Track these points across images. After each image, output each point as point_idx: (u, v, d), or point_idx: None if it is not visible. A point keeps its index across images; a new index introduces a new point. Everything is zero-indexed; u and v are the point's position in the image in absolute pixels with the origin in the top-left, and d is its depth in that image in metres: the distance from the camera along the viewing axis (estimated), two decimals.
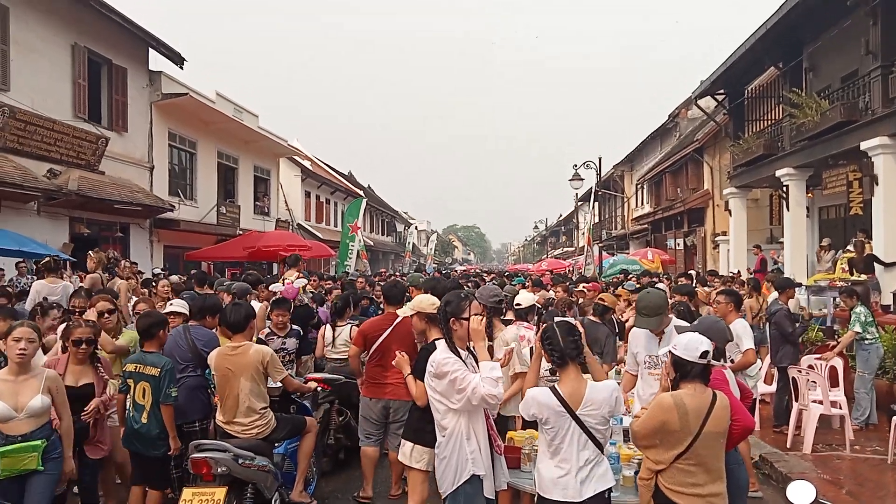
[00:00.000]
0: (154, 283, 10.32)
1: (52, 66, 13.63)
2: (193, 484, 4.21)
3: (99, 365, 4.65)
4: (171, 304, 5.99)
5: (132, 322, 6.37)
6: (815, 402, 7.07)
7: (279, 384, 5.03)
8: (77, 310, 5.76)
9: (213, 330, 5.43)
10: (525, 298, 6.00)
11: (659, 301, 4.36)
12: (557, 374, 3.32)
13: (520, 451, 4.02)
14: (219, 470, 4.15)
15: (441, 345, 3.65)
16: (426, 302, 4.13)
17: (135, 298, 8.73)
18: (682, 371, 3.21)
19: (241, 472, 4.25)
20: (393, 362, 4.59)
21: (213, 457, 4.19)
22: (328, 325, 7.08)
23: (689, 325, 4.11)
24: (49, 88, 13.43)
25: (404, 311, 4.14)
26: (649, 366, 4.32)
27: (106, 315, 5.32)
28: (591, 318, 6.47)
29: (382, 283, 10.13)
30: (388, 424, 5.45)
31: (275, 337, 6.50)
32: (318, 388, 5.91)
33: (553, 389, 3.21)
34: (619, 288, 12.53)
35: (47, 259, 8.81)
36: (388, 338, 5.35)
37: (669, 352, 3.28)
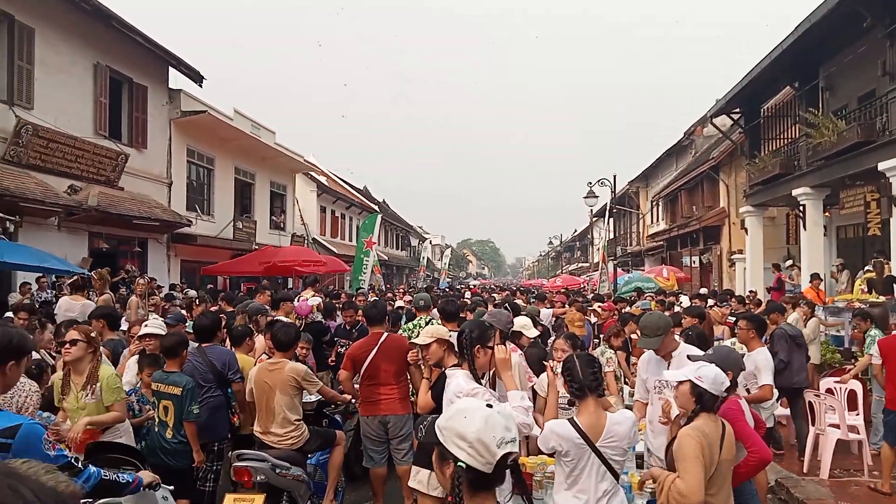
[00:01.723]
0: (195, 303, 9.81)
1: (75, 84, 13.90)
2: (234, 490, 4.47)
3: None
4: (146, 326, 5.60)
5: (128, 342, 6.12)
6: (832, 426, 6.99)
7: (313, 398, 5.42)
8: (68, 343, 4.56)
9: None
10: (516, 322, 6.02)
11: (659, 322, 4.37)
12: (577, 404, 3.32)
13: (531, 477, 4.00)
14: (258, 478, 4.43)
15: (462, 373, 3.65)
16: (444, 330, 4.19)
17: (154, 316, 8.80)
18: (704, 404, 3.24)
19: (278, 481, 4.53)
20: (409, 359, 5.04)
21: (254, 466, 4.48)
22: None
23: (701, 352, 4.08)
24: (71, 106, 13.69)
25: (423, 340, 4.18)
26: (658, 390, 4.31)
27: (67, 346, 4.33)
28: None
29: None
30: (389, 441, 5.57)
31: None
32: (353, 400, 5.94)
33: (572, 422, 3.20)
34: (633, 307, 12.51)
35: (76, 277, 9.00)
36: (376, 357, 5.50)
37: (692, 383, 3.27)
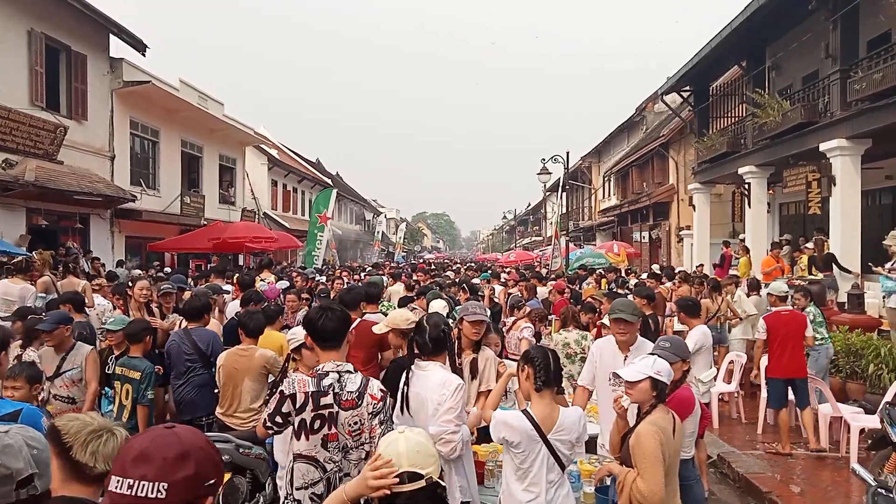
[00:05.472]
0: (130, 285, 8.44)
1: (8, 52, 13.16)
2: None
3: None
4: None
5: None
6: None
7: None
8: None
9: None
10: (437, 306, 6.00)
11: (635, 305, 4.62)
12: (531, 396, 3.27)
13: (483, 465, 4.00)
14: (223, 458, 4.39)
15: (439, 365, 3.52)
16: (400, 318, 4.14)
17: (103, 301, 8.40)
18: (662, 395, 3.24)
19: (242, 460, 4.66)
20: None
21: (217, 446, 4.42)
22: None
23: (651, 343, 4.12)
24: (4, 76, 12.96)
25: (379, 329, 4.13)
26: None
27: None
28: None
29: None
30: None
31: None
32: None
33: (526, 413, 3.15)
34: (585, 286, 12.71)
35: (19, 259, 8.67)
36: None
37: (652, 379, 3.20)
